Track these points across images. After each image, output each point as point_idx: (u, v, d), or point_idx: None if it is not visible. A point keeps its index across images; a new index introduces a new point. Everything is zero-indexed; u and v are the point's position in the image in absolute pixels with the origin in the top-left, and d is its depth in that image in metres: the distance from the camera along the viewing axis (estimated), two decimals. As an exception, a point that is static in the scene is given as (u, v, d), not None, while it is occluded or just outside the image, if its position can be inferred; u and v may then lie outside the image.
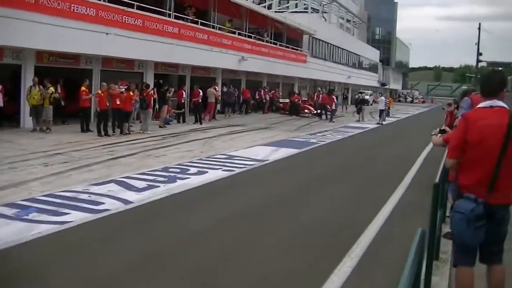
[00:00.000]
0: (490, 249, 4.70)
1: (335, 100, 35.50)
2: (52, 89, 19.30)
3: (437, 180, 5.84)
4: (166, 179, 11.39)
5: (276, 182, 12.34)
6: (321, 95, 39.04)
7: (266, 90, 39.53)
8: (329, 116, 35.21)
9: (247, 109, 36.49)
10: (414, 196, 10.85)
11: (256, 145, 18.57)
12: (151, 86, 23.41)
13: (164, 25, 26.27)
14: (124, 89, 20.37)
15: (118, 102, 19.46)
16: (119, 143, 17.24)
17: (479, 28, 57.51)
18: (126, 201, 9.17)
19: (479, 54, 57.48)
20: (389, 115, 39.94)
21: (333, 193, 11.25)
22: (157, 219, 8.36)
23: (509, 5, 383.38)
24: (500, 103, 4.66)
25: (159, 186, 10.58)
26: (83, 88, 19.77)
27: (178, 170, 12.57)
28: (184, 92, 27.00)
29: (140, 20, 24.15)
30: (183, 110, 26.55)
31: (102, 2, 22.11)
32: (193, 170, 12.73)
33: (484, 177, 4.56)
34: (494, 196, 4.54)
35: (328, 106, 35.64)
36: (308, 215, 9.06)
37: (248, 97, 36.67)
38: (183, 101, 26.69)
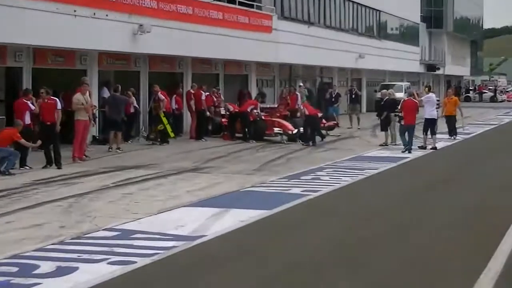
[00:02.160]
0: None
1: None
2: None
3: None
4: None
5: (222, 283, 9.06)
6: (298, 98, 31.78)
7: (193, 91, 30.17)
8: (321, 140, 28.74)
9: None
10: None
11: (178, 207, 14.75)
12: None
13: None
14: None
15: None
16: None
17: None
18: None
19: None
20: (455, 134, 31.96)
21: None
22: None
23: None
24: None
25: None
26: None
27: (15, 269, 9.52)
28: (32, 104, 19.70)
29: None
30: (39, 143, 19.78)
31: None
32: (45, 266, 9.73)
33: None
34: None
35: (324, 121, 30.56)
36: None
37: (168, 108, 28.19)
38: (28, 122, 19.72)
